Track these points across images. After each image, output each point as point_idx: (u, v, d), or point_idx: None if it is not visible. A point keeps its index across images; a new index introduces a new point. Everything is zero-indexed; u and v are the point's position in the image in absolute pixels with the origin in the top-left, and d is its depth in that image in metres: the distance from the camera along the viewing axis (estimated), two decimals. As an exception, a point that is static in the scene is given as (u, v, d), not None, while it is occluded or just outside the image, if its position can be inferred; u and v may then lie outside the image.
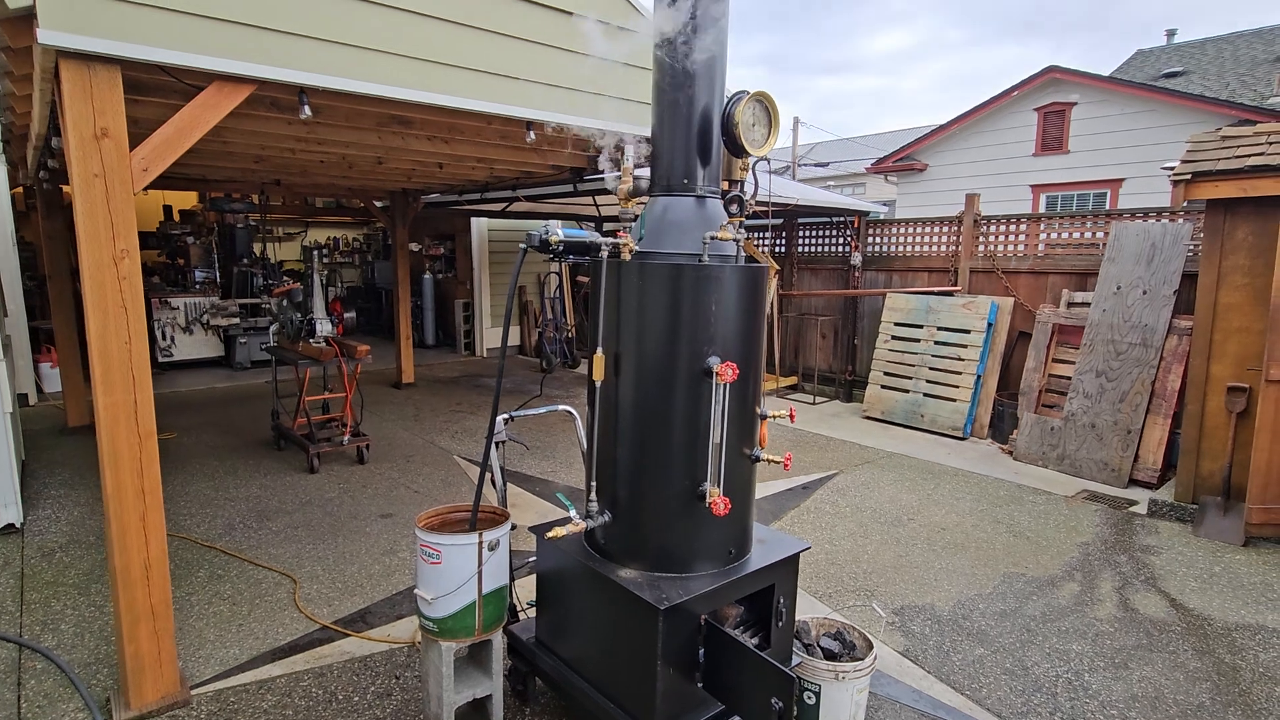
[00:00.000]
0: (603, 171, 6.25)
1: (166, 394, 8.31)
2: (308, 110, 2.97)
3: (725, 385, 2.18)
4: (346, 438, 5.81)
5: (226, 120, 2.90)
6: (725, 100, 2.33)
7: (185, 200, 11.73)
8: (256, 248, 10.88)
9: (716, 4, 2.24)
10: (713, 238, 2.19)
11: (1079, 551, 4.39)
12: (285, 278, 10.59)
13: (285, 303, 6.50)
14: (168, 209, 11.40)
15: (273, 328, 6.58)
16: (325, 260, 6.40)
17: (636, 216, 2.35)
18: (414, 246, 11.97)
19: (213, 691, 2.90)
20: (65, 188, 7.06)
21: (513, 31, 3.31)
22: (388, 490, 5.28)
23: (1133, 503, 5.27)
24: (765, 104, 2.34)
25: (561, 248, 2.28)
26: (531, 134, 3.65)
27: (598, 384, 2.33)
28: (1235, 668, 3.20)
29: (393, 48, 2.95)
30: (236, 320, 9.95)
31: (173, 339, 9.63)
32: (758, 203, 2.50)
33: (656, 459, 2.28)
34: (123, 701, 2.75)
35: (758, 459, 2.41)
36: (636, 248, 2.28)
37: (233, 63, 2.57)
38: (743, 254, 2.40)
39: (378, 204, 9.29)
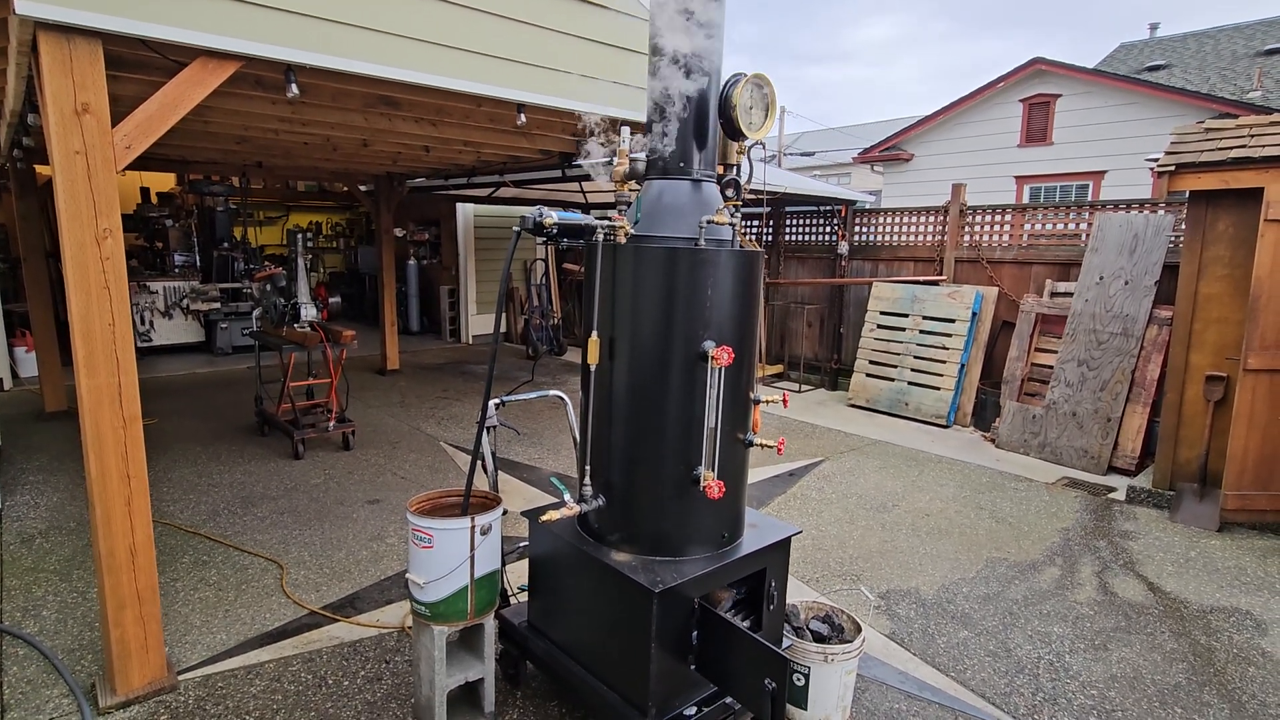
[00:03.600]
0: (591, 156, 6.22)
1: (146, 379, 8.17)
2: (295, 89, 2.91)
3: (720, 369, 2.18)
4: (332, 424, 5.76)
5: (209, 99, 2.84)
6: (722, 83, 2.32)
7: (163, 182, 11.49)
8: (237, 231, 10.70)
9: (713, -15, 2.23)
10: (709, 221, 2.19)
11: (1060, 537, 4.47)
12: (266, 262, 10.43)
13: (268, 287, 6.41)
14: (145, 191, 11.15)
15: (256, 312, 6.49)
16: (309, 245, 6.30)
17: (632, 200, 2.33)
18: (398, 232, 11.83)
19: (200, 677, 2.88)
20: (40, 167, 6.89)
21: (506, 12, 3.27)
22: (374, 476, 5.24)
23: (1112, 489, 5.37)
24: (762, 86, 2.33)
25: (556, 230, 2.26)
26: (523, 117, 3.61)
27: (592, 368, 2.32)
28: (1210, 649, 3.28)
29: (383, 26, 2.90)
30: (217, 305, 9.80)
31: (151, 323, 9.48)
32: (749, 189, 2.50)
33: (651, 443, 2.28)
34: (108, 687, 2.72)
35: (751, 443, 2.42)
36: (632, 231, 2.27)
37: (218, 38, 2.51)
38: (737, 239, 2.40)
39: (362, 188, 9.17)
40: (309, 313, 5.87)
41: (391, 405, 7.38)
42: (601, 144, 2.54)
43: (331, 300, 8.84)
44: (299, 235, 6.21)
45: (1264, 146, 4.54)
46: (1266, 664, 3.17)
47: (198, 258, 10.25)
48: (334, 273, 14.54)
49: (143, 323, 9.37)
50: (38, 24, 2.23)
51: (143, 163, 6.80)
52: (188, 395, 7.60)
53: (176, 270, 9.95)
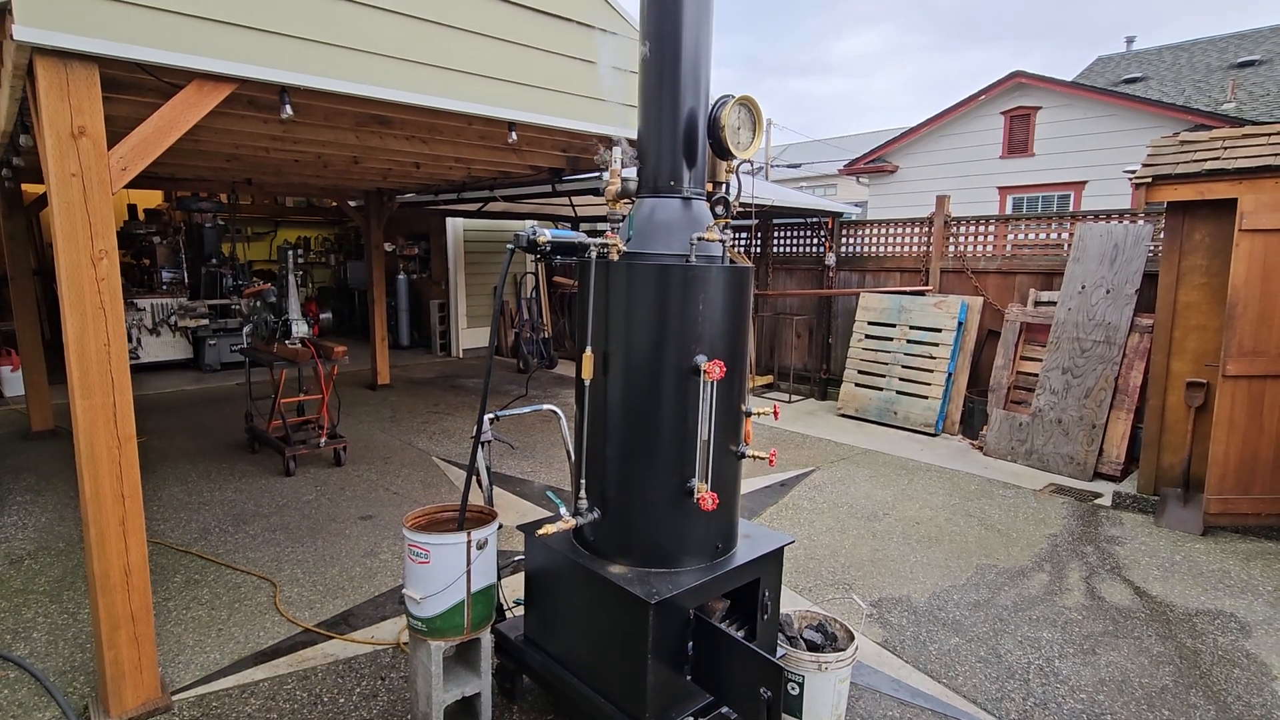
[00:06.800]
0: (582, 172, 6.28)
1: (135, 397, 8.05)
2: (289, 109, 2.94)
3: (713, 383, 2.22)
4: (323, 440, 5.75)
5: (201, 119, 2.87)
6: (710, 103, 2.37)
7: (150, 199, 11.47)
8: (225, 248, 10.68)
9: (701, 7, 2.29)
10: (699, 239, 2.24)
11: (1047, 543, 4.53)
12: (255, 278, 10.41)
13: (257, 303, 6.40)
14: (132, 208, 11.14)
15: (246, 329, 6.48)
16: (300, 260, 6.31)
17: (624, 218, 2.38)
18: (388, 246, 11.85)
19: (194, 697, 2.87)
20: (27, 186, 6.88)
21: (497, 33, 3.32)
22: (366, 492, 5.24)
23: (1098, 495, 5.45)
24: (750, 108, 2.39)
25: (549, 248, 2.30)
26: (514, 135, 3.66)
27: (586, 383, 2.36)
28: (1196, 651, 3.34)
29: (376, 48, 2.95)
30: (205, 321, 9.76)
31: (139, 340, 9.42)
32: (739, 205, 2.56)
33: (645, 456, 2.32)
34: (102, 709, 2.71)
35: (744, 455, 2.46)
36: (624, 248, 2.31)
37: (214, 61, 2.55)
38: (727, 255, 2.45)
39: (351, 203, 9.19)
40: (300, 329, 5.87)
41: (383, 420, 7.37)
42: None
43: (322, 316, 8.83)
44: (289, 251, 6.22)
45: (1237, 158, 4.66)
46: (1251, 665, 3.23)
47: (185, 274, 10.22)
48: (323, 288, 14.51)
49: (130, 340, 9.31)
50: (35, 49, 2.25)
51: (131, 180, 6.79)
52: (177, 413, 7.55)
53: (164, 287, 9.91)
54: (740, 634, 2.51)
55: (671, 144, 2.33)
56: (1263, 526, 4.68)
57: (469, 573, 2.48)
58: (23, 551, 4.15)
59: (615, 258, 2.28)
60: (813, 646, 2.76)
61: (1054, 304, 6.50)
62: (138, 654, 2.70)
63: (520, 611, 2.91)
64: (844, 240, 8.61)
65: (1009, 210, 13.81)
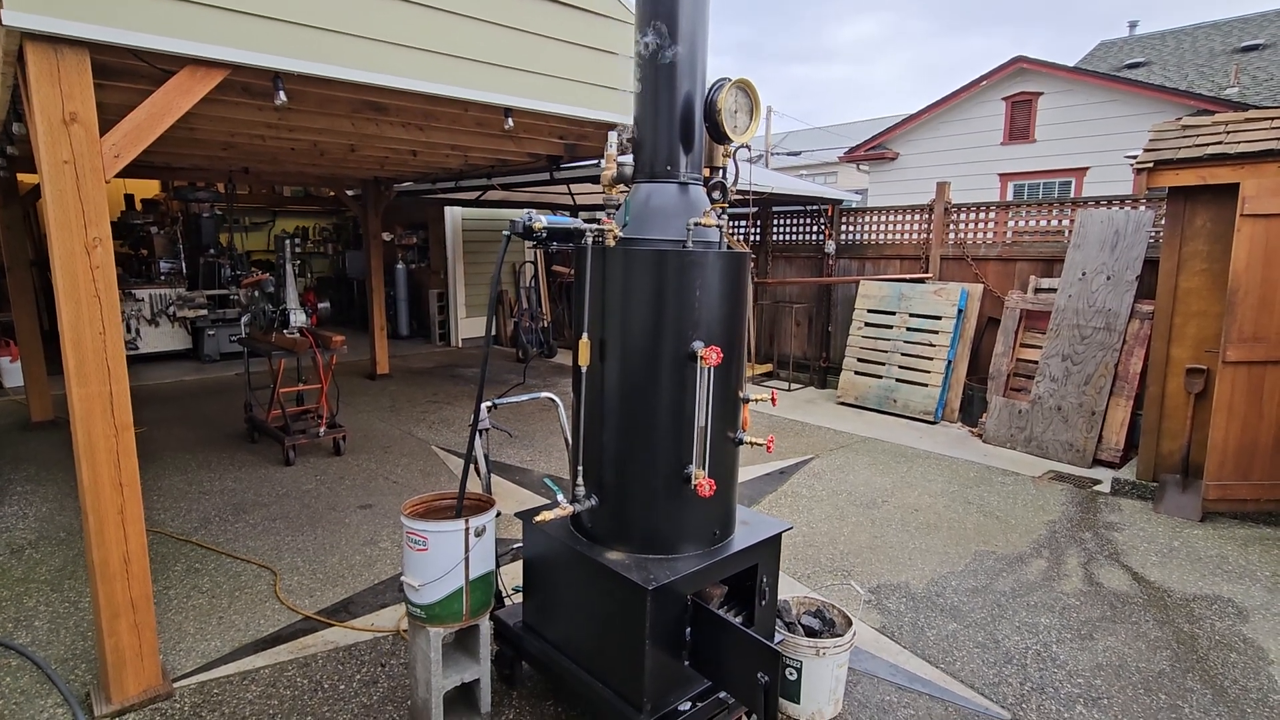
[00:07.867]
0: (580, 160, 6.24)
1: (134, 387, 8.04)
2: (283, 96, 2.92)
3: (710, 369, 2.21)
4: (322, 429, 5.75)
5: (196, 106, 2.84)
6: (707, 87, 2.35)
7: (147, 189, 11.42)
8: (223, 238, 10.64)
9: (697, -9, 2.26)
10: (696, 224, 2.22)
11: (1046, 529, 4.54)
12: (254, 268, 10.38)
13: (256, 293, 6.38)
14: (129, 198, 11.09)
15: (244, 319, 6.47)
16: (298, 250, 6.28)
17: (620, 203, 2.36)
18: (386, 236, 11.81)
19: (195, 684, 2.88)
20: (23, 176, 6.84)
21: (493, 18, 3.29)
22: (366, 481, 5.24)
23: (1097, 482, 5.45)
24: (747, 91, 2.37)
25: (545, 234, 2.29)
26: (510, 121, 3.63)
27: (583, 369, 2.35)
28: (1193, 636, 3.35)
29: (371, 32, 2.92)
30: (204, 312, 9.75)
31: (138, 331, 9.41)
32: (736, 190, 2.54)
33: (642, 442, 2.31)
34: (103, 696, 2.72)
35: (741, 442, 2.45)
36: (621, 234, 2.30)
37: (206, 47, 2.52)
38: (724, 240, 2.44)
39: (349, 193, 9.15)
40: (298, 318, 5.85)
41: (382, 410, 7.37)
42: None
43: (320, 305, 8.81)
44: (287, 241, 6.19)
45: (1239, 143, 4.63)
46: (1248, 650, 3.24)
47: (184, 264, 10.19)
48: (321, 278, 14.48)
49: (129, 331, 9.31)
50: (25, 34, 2.23)
51: (127, 169, 6.74)
52: (176, 403, 7.56)
53: (162, 277, 9.89)
54: (738, 620, 2.51)
55: (668, 128, 2.31)
56: (1261, 512, 4.68)
57: (467, 560, 2.48)
58: (24, 541, 4.16)
59: (611, 243, 2.27)
60: (811, 632, 2.77)
61: (1054, 291, 6.48)
62: (138, 641, 2.71)
63: (519, 598, 2.92)
64: (844, 228, 8.57)
65: (1010, 197, 13.74)
